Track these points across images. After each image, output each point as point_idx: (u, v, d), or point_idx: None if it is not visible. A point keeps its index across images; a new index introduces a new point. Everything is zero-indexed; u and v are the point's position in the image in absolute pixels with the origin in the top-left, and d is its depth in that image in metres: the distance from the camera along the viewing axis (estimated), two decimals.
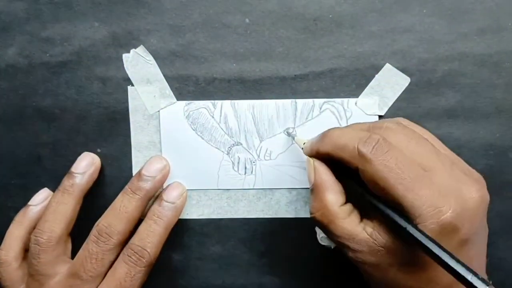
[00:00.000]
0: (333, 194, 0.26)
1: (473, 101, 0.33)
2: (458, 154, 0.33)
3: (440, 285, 0.25)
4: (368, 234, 0.25)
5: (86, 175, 0.32)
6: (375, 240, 0.25)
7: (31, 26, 0.33)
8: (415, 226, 0.23)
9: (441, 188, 0.24)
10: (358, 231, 0.25)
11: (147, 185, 0.32)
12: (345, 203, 0.27)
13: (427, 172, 0.24)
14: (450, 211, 0.23)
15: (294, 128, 0.33)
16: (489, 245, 0.34)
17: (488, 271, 0.35)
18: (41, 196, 0.33)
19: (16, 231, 0.33)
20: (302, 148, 0.31)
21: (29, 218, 0.33)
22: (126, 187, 0.32)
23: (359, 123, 0.29)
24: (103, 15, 0.33)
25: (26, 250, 0.33)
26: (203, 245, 0.35)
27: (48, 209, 0.32)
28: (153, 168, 0.32)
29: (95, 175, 0.33)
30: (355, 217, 0.26)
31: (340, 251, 0.27)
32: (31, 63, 0.34)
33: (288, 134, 0.33)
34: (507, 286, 0.34)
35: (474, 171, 0.27)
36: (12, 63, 0.34)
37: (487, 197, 0.25)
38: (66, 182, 0.32)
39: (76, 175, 0.32)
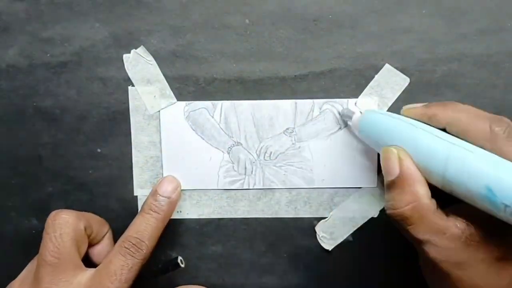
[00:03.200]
0: (423, 186, 0.25)
1: (472, 101, 0.33)
2: None
3: None
4: (461, 229, 0.24)
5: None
6: (470, 234, 0.24)
7: (31, 27, 0.33)
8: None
9: None
10: (450, 225, 0.24)
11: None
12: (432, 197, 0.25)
13: None
14: None
15: (294, 128, 0.34)
16: None
17: None
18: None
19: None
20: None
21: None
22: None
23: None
24: (104, 15, 0.33)
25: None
26: (203, 245, 0.35)
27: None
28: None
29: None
30: (442, 212, 0.25)
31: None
32: (31, 63, 0.34)
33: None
34: None
35: None
36: (13, 63, 0.34)
37: None
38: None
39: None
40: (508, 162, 0.23)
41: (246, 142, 0.34)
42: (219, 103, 0.34)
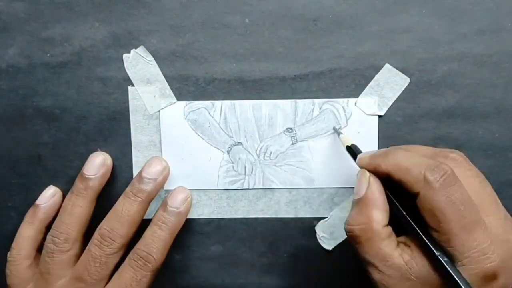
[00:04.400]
0: (380, 213, 0.26)
1: (472, 101, 0.33)
2: None
3: None
4: (404, 261, 0.25)
5: (98, 177, 0.33)
6: (410, 268, 0.24)
7: (31, 26, 0.33)
8: (456, 268, 0.23)
9: (493, 235, 0.24)
10: (395, 255, 0.25)
11: (148, 187, 0.32)
12: (387, 225, 0.26)
13: (483, 216, 0.24)
14: (497, 260, 0.23)
15: (293, 128, 0.34)
16: None
17: None
18: (48, 194, 0.34)
19: (27, 231, 0.33)
20: (349, 146, 0.30)
21: (39, 218, 0.33)
22: (127, 189, 0.32)
23: (421, 146, 0.29)
24: (104, 15, 0.33)
25: (36, 250, 0.33)
26: (203, 245, 0.35)
27: (64, 211, 0.32)
28: (154, 170, 0.32)
29: (107, 175, 0.33)
30: (393, 241, 0.26)
31: (357, 265, 0.26)
32: (31, 63, 0.34)
33: (335, 130, 0.33)
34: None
35: None
36: (13, 63, 0.34)
37: None
38: (79, 184, 0.32)
39: (89, 177, 0.32)
40: None
41: (246, 142, 0.34)
42: (219, 103, 0.34)
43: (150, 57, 0.33)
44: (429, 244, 0.24)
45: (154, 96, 0.34)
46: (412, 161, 0.25)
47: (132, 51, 0.33)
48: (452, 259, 0.24)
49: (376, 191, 0.26)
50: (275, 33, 0.33)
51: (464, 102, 0.33)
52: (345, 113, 0.33)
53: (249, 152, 0.34)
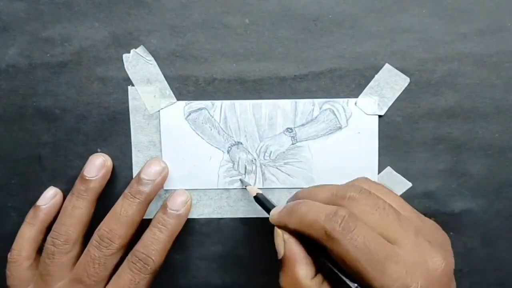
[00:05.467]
0: (304, 268, 0.26)
1: (472, 101, 0.33)
2: (457, 155, 0.33)
3: None
4: None
5: (98, 178, 0.33)
6: None
7: (31, 26, 0.33)
8: None
9: (408, 263, 0.24)
10: None
11: (147, 188, 0.32)
12: (316, 274, 0.26)
13: (393, 246, 0.24)
14: (419, 286, 0.23)
15: (293, 128, 0.34)
16: (488, 245, 0.34)
17: (488, 271, 0.35)
18: (49, 195, 0.34)
19: (28, 232, 0.33)
20: (255, 197, 0.31)
21: (40, 219, 0.33)
22: (126, 191, 0.32)
23: (324, 187, 0.28)
24: (104, 15, 0.33)
25: (36, 251, 0.33)
26: (203, 245, 0.35)
27: (64, 212, 0.32)
28: (152, 171, 0.32)
29: (107, 176, 0.33)
30: (327, 285, 0.26)
31: None
32: (31, 63, 0.34)
33: (241, 182, 0.34)
34: (507, 286, 0.35)
35: (437, 229, 0.27)
36: (13, 63, 0.34)
37: (452, 261, 0.26)
38: (79, 186, 0.32)
39: (89, 179, 0.32)
40: None
41: (246, 141, 0.34)
42: (219, 102, 0.34)
43: (150, 57, 0.33)
44: (351, 285, 0.25)
45: (154, 96, 0.34)
46: (313, 214, 0.25)
47: (132, 51, 0.33)
48: None
49: (293, 248, 0.26)
50: (275, 33, 0.33)
51: (464, 102, 0.33)
52: (345, 113, 0.33)
53: (249, 152, 0.34)
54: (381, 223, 0.25)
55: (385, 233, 0.25)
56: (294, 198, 0.29)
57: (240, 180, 0.34)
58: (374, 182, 0.29)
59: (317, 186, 0.29)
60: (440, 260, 0.25)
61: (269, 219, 0.29)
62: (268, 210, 0.30)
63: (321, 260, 0.26)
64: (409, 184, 0.34)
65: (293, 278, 0.26)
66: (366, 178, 0.29)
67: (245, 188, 0.34)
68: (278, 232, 0.27)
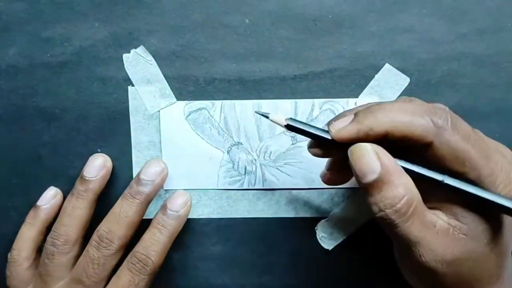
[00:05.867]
0: (408, 176, 0.23)
1: (472, 101, 0.33)
2: None
3: None
4: (445, 221, 0.23)
5: (98, 179, 0.33)
6: (455, 226, 0.23)
7: (31, 26, 0.33)
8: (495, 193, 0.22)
9: (503, 156, 0.24)
10: (436, 219, 0.23)
11: (146, 189, 0.32)
12: None
13: (489, 142, 0.24)
14: None
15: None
16: None
17: None
18: (49, 195, 0.34)
19: (28, 232, 0.33)
20: (287, 125, 0.26)
21: (40, 219, 0.33)
22: (126, 191, 0.32)
23: (393, 102, 0.26)
24: (104, 15, 0.33)
25: (37, 251, 0.33)
26: (203, 245, 0.35)
27: (64, 212, 0.32)
28: (152, 171, 0.32)
29: (107, 177, 0.33)
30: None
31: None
32: (31, 63, 0.34)
33: (259, 113, 0.28)
34: None
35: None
36: (13, 63, 0.34)
37: None
38: (79, 187, 0.32)
39: (89, 179, 0.32)
40: None
41: (246, 142, 0.34)
42: (219, 102, 0.34)
43: (150, 57, 0.33)
44: (459, 185, 0.22)
45: (154, 96, 0.34)
46: (409, 112, 0.23)
47: (132, 51, 0.33)
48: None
49: (390, 157, 0.23)
50: (275, 33, 0.33)
51: (464, 102, 0.33)
52: None
53: (249, 152, 0.34)
54: (476, 132, 0.24)
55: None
56: (345, 115, 0.25)
57: (256, 112, 0.29)
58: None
59: (372, 103, 0.26)
60: None
61: (333, 134, 0.24)
62: (308, 133, 0.25)
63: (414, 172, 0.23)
64: None
65: (405, 188, 0.22)
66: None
67: (267, 118, 0.27)
68: (366, 147, 0.23)
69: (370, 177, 0.23)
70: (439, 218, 0.23)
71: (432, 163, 0.23)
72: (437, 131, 0.22)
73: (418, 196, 0.23)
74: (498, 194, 0.23)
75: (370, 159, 0.23)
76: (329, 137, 0.24)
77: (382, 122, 0.23)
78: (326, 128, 0.25)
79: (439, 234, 0.23)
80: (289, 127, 0.26)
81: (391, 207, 0.22)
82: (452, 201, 0.24)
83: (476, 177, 0.23)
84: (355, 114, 0.24)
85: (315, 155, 0.27)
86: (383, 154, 0.23)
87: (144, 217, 0.33)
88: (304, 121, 0.33)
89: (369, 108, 0.24)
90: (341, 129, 0.24)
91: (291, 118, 0.26)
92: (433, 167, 0.23)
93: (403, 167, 0.23)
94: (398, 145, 0.23)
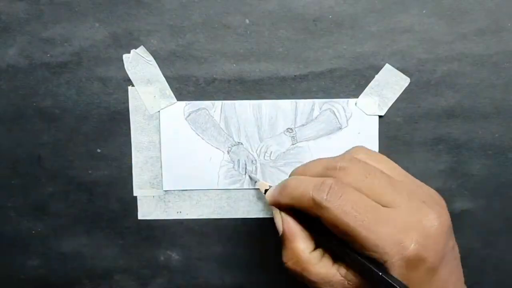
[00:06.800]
0: (302, 242, 0.27)
1: (472, 101, 0.33)
2: (457, 155, 0.33)
3: None
4: (342, 276, 0.25)
5: None
6: (349, 281, 0.25)
7: (31, 27, 0.33)
8: (380, 267, 0.24)
9: (401, 223, 0.24)
10: (332, 273, 0.25)
11: None
12: (315, 248, 0.27)
13: (385, 208, 0.25)
14: (412, 244, 0.23)
15: (294, 128, 0.34)
16: (488, 245, 0.34)
17: (488, 271, 0.35)
18: None
19: None
20: (266, 191, 0.31)
21: None
22: None
23: (317, 161, 0.29)
24: (104, 15, 0.33)
25: None
26: (203, 245, 0.35)
27: None
28: None
29: None
30: (327, 260, 0.26)
31: None
32: (31, 63, 0.34)
33: (251, 178, 0.34)
34: (507, 286, 0.35)
35: (433, 192, 0.27)
36: (13, 64, 0.34)
37: (448, 219, 0.26)
38: None
39: None
40: None
41: (246, 142, 0.34)
42: (219, 103, 0.34)
43: (150, 57, 0.33)
44: (349, 252, 0.25)
45: (154, 96, 0.34)
46: (302, 187, 0.26)
47: (132, 51, 0.33)
48: (375, 260, 0.24)
49: (290, 224, 0.27)
50: (275, 33, 0.33)
51: (464, 102, 0.33)
52: (345, 113, 0.33)
53: (249, 152, 0.34)
54: (372, 188, 0.25)
55: (377, 198, 0.25)
56: (290, 175, 0.30)
57: (249, 176, 0.34)
58: (369, 150, 0.29)
59: (311, 161, 0.29)
60: (435, 217, 0.25)
61: (267, 198, 0.29)
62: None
63: (317, 233, 0.27)
64: None
65: (293, 252, 0.27)
66: (362, 147, 0.29)
67: (255, 183, 0.34)
68: (276, 210, 0.28)
69: (279, 234, 0.28)
70: (337, 272, 0.26)
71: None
72: (316, 208, 0.25)
73: (308, 259, 0.26)
74: (378, 268, 0.24)
75: (277, 221, 0.28)
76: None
77: (283, 199, 0.27)
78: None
79: (333, 285, 0.25)
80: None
81: (284, 262, 0.27)
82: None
83: (360, 248, 0.24)
84: (277, 185, 0.29)
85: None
86: (285, 220, 0.28)
87: (144, 217, 0.33)
88: (305, 121, 0.33)
89: (284, 182, 0.28)
90: (267, 196, 0.29)
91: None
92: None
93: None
94: None
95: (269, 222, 0.35)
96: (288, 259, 0.27)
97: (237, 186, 0.34)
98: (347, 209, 0.24)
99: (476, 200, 0.34)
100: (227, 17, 0.33)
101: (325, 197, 0.25)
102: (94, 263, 0.35)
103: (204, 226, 0.35)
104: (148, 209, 0.33)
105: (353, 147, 0.29)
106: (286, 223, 0.27)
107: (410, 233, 0.24)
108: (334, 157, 0.28)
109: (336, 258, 0.26)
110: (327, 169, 0.27)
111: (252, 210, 0.34)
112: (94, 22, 0.33)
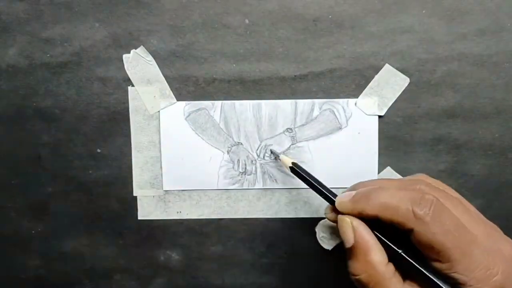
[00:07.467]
0: (377, 254, 0.26)
1: (472, 102, 0.33)
2: (457, 155, 0.33)
3: None
4: None
5: None
6: None
7: (31, 27, 0.33)
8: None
9: (485, 249, 0.24)
10: None
11: None
12: (388, 263, 0.26)
13: (473, 233, 0.25)
14: (500, 272, 0.24)
15: (293, 128, 0.34)
16: None
17: None
18: None
19: None
20: (290, 167, 0.31)
21: None
22: None
23: (391, 181, 0.28)
24: (104, 15, 0.33)
25: None
26: (203, 245, 0.35)
27: None
28: None
29: None
30: (399, 277, 0.26)
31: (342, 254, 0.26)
32: (31, 63, 0.34)
33: (272, 152, 0.33)
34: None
35: (497, 228, 0.28)
36: (13, 64, 0.34)
37: None
38: None
39: None
40: None
41: (246, 142, 0.34)
42: (219, 103, 0.34)
43: (150, 57, 0.33)
44: (433, 278, 0.24)
45: (154, 96, 0.34)
46: (396, 199, 0.25)
47: (132, 51, 0.33)
48: (458, 284, 0.24)
49: (365, 235, 0.26)
50: (275, 33, 0.33)
51: (464, 102, 0.33)
52: (345, 113, 0.33)
53: (249, 152, 0.34)
54: (463, 216, 0.25)
55: (467, 224, 0.25)
56: (354, 189, 0.28)
57: (271, 150, 0.33)
58: (432, 178, 0.29)
59: (380, 179, 0.29)
60: (510, 246, 0.25)
61: (336, 205, 0.28)
62: (306, 180, 0.30)
63: (391, 248, 0.26)
64: None
65: (368, 264, 0.26)
66: (425, 175, 0.29)
67: (276, 158, 0.33)
68: (346, 220, 0.27)
69: (346, 246, 0.27)
70: None
71: (416, 245, 0.25)
72: (416, 222, 0.24)
73: (383, 273, 0.25)
74: (444, 281, 0.24)
75: (347, 231, 0.27)
76: (328, 194, 0.29)
77: (372, 207, 0.26)
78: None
79: None
80: (293, 171, 0.30)
81: (354, 275, 0.26)
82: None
83: (448, 268, 0.24)
84: (358, 193, 0.27)
85: (331, 220, 0.29)
86: (358, 229, 0.26)
87: (144, 217, 0.33)
88: (304, 121, 0.33)
89: (367, 191, 0.27)
90: (341, 204, 0.28)
91: (296, 163, 0.30)
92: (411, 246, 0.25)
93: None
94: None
95: (269, 222, 0.35)
96: (361, 272, 0.26)
97: (237, 186, 0.34)
98: (449, 227, 0.24)
99: (476, 200, 0.34)
100: (227, 17, 0.33)
101: (428, 212, 0.24)
102: (94, 263, 0.35)
103: (204, 226, 0.35)
104: (148, 209, 0.33)
105: (415, 175, 0.29)
106: (359, 233, 0.26)
107: (495, 261, 0.24)
108: (405, 178, 0.28)
109: (405, 276, 0.26)
110: (409, 186, 0.27)
111: (252, 210, 0.34)
112: (94, 22, 0.33)
